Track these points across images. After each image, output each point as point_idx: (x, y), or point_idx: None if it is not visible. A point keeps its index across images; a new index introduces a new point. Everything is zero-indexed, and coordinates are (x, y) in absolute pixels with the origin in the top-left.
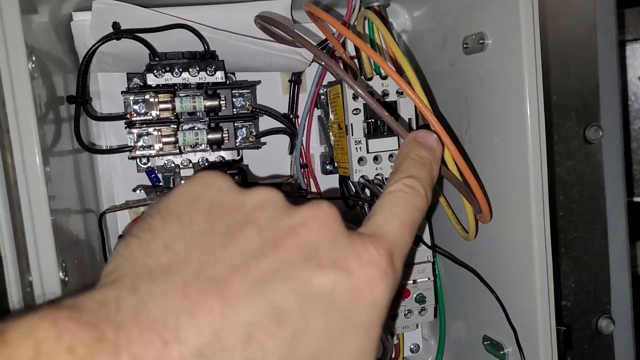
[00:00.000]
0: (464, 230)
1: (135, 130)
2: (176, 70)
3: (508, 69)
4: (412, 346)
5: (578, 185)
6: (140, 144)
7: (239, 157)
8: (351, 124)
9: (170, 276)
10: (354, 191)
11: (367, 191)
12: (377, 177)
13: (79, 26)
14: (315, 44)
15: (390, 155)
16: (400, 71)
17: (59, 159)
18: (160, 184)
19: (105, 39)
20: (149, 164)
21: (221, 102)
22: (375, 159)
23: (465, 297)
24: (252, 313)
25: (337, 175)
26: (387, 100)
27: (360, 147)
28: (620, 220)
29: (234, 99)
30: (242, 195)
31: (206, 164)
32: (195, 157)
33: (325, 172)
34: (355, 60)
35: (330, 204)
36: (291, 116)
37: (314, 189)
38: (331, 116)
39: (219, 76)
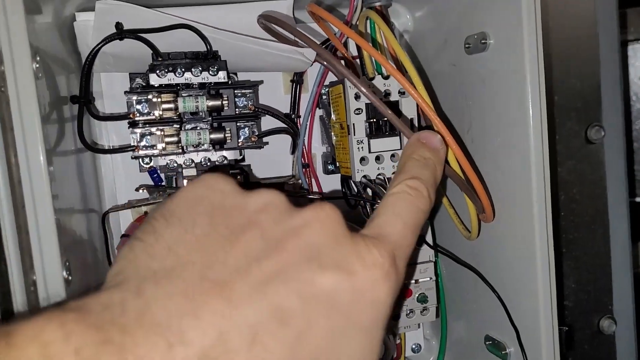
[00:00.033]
0: (467, 229)
1: (138, 130)
2: (179, 70)
3: (510, 69)
4: (414, 346)
5: (579, 186)
6: (142, 143)
7: (241, 156)
8: (353, 124)
9: (173, 279)
10: (356, 191)
11: (369, 191)
12: (379, 176)
13: (82, 26)
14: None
15: (392, 155)
16: (402, 71)
17: (62, 158)
18: (163, 183)
19: (108, 39)
20: (151, 164)
21: (224, 102)
22: (377, 158)
23: (467, 297)
24: (255, 314)
25: (339, 175)
26: (389, 100)
27: (362, 147)
28: (623, 220)
29: (236, 99)
30: (244, 198)
31: (208, 163)
32: (198, 157)
33: (327, 171)
34: (358, 60)
35: (333, 206)
36: (293, 116)
37: (315, 189)
38: (333, 116)
39: (222, 76)
